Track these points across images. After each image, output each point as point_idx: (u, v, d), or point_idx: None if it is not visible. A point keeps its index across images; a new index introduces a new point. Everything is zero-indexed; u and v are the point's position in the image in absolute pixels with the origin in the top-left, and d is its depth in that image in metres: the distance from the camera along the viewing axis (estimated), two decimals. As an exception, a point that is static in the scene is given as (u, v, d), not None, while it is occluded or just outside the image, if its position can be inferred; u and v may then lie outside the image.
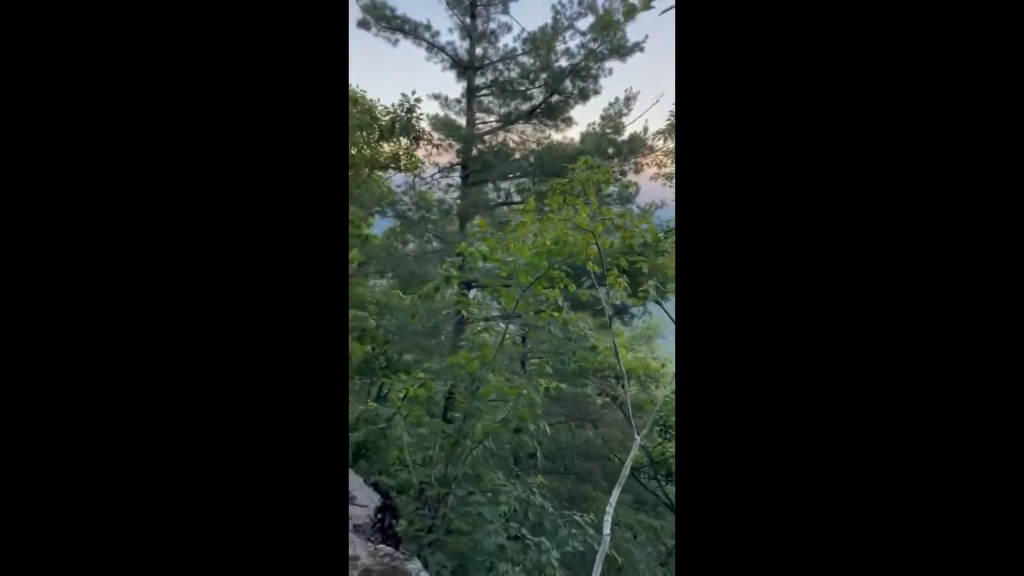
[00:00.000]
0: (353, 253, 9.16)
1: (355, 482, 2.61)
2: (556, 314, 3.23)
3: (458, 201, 7.94)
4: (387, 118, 7.22)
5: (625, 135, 7.07)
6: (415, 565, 1.88)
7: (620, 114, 8.07)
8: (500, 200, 7.75)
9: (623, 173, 7.45)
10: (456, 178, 7.98)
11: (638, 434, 2.69)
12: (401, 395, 3.17)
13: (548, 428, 2.91)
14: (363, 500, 2.46)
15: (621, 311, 8.18)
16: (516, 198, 7.34)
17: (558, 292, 3.27)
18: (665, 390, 9.06)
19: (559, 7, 6.95)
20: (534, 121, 7.70)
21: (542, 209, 3.87)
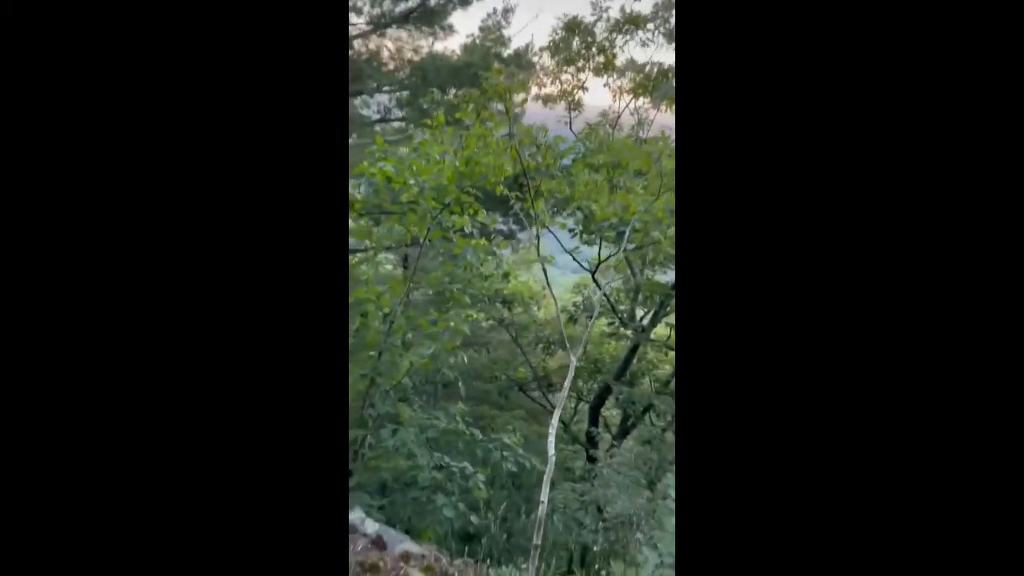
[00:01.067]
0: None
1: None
2: (473, 242, 3.06)
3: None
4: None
5: (510, 49, 6.72)
6: (356, 515, 1.75)
7: (499, 26, 7.62)
8: (378, 116, 7.04)
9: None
10: (322, 90, 7.03)
11: (574, 356, 2.73)
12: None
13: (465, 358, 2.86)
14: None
15: (509, 236, 8.21)
16: (397, 113, 6.71)
17: (466, 219, 3.09)
18: (544, 312, 9.60)
19: None
20: (410, 27, 6.95)
21: (448, 125, 3.55)
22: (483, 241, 3.20)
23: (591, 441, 6.77)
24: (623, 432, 7.64)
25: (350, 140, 7.08)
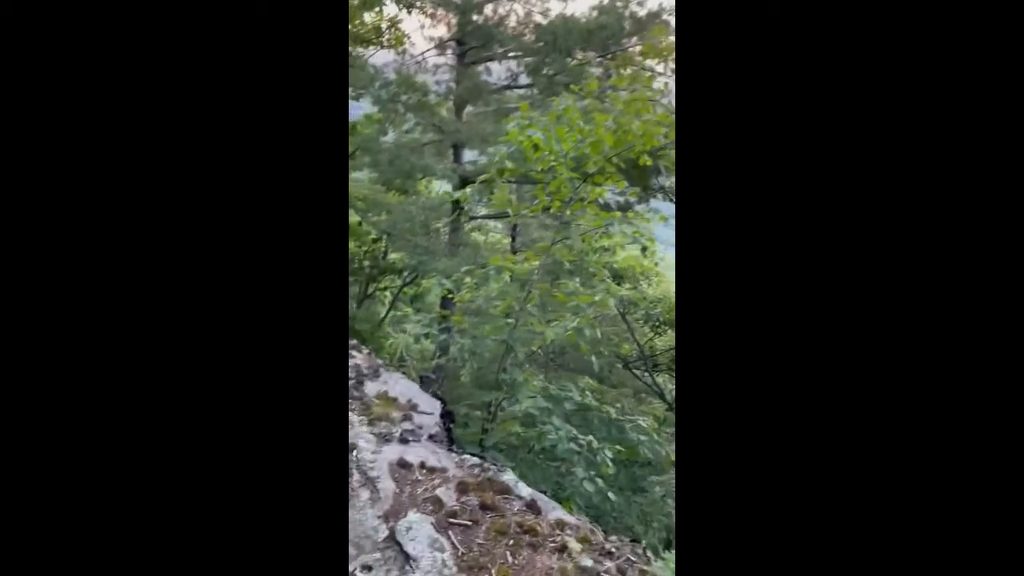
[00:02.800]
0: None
1: (410, 388, 2.48)
2: (610, 213, 2.96)
3: (452, 84, 7.17)
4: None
5: (645, 9, 6.30)
6: (510, 477, 1.80)
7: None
8: (505, 83, 7.02)
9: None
10: (451, 57, 7.13)
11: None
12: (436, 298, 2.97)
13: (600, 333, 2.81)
14: (425, 407, 2.35)
15: (626, 207, 7.93)
16: (524, 80, 6.63)
17: (605, 190, 2.97)
18: (653, 289, 9.25)
19: None
20: (539, -12, 6.75)
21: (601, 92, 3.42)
22: (628, 214, 3.08)
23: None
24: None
25: (474, 108, 7.15)
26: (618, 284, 8.52)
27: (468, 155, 7.66)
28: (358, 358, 2.56)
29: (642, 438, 2.52)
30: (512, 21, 6.75)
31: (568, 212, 2.90)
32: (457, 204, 7.84)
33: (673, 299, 4.41)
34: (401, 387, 2.42)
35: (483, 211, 9.69)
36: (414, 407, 2.32)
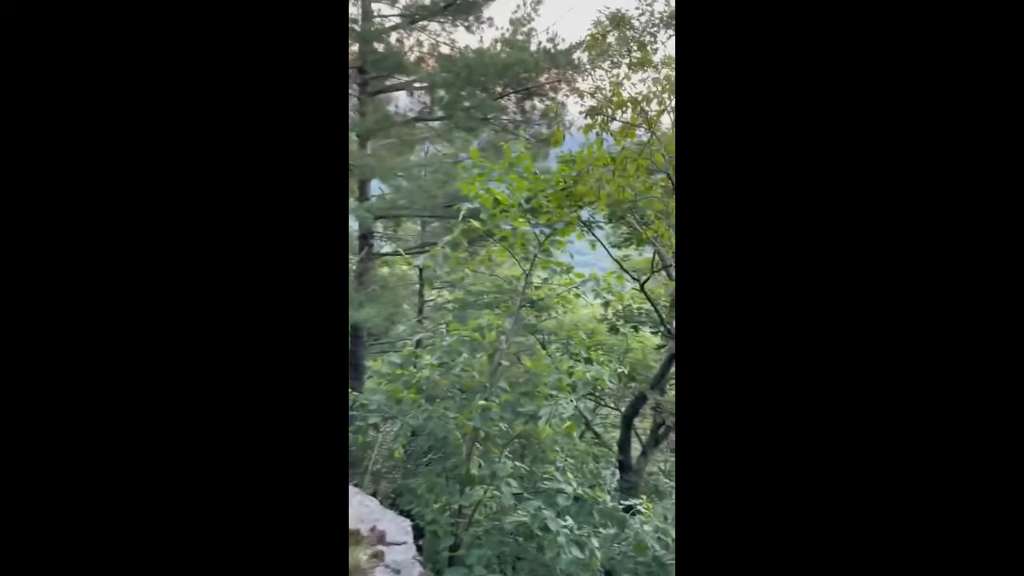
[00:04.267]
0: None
1: (370, 507, 1.98)
2: (565, 265, 2.71)
3: (354, 114, 6.64)
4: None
5: (562, 44, 6.31)
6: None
7: (529, 18, 7.21)
8: (414, 115, 6.62)
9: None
10: (352, 86, 6.60)
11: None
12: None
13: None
14: (394, 533, 1.87)
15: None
16: (439, 113, 6.30)
17: (564, 243, 2.74)
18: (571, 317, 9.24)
19: None
20: (446, 18, 6.54)
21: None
22: (571, 270, 2.85)
23: (622, 449, 6.59)
24: (655, 441, 7.43)
25: (387, 140, 6.68)
26: (539, 313, 8.43)
27: (374, 188, 7.13)
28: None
29: (646, 528, 2.25)
30: (417, 51, 6.44)
31: (528, 268, 2.61)
32: (365, 239, 7.25)
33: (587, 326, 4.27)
34: (359, 510, 1.92)
35: (388, 247, 9.15)
36: (381, 537, 1.84)
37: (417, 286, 9.42)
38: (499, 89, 5.97)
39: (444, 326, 2.47)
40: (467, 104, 5.53)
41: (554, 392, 2.16)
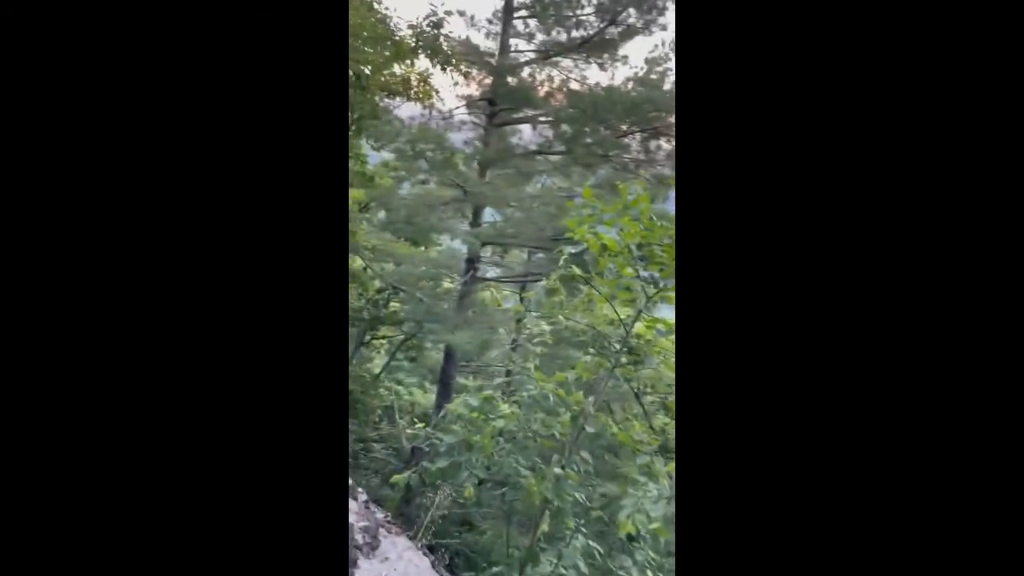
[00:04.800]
0: (356, 193, 8.03)
1: (420, 569, 1.80)
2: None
3: (479, 143, 6.83)
4: (407, 33, 5.91)
5: None
6: None
7: (666, 58, 6.97)
8: (535, 148, 6.66)
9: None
10: (480, 116, 6.82)
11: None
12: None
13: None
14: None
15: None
16: (560, 147, 6.27)
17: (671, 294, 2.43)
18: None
19: None
20: (578, 55, 6.53)
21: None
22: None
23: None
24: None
25: (506, 170, 6.78)
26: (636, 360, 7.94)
27: (487, 216, 7.26)
28: (352, 509, 1.90)
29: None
30: (547, 86, 6.49)
31: (631, 320, 2.35)
32: (471, 263, 7.40)
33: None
34: (408, 569, 1.74)
35: (492, 272, 9.28)
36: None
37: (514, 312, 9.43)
38: (624, 127, 5.77)
39: (531, 367, 2.28)
40: (589, 140, 5.40)
41: (643, 477, 1.85)
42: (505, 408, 2.15)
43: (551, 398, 2.13)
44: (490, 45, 6.55)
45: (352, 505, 1.92)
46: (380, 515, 1.95)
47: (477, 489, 2.33)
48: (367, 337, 10.46)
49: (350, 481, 1.79)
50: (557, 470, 1.93)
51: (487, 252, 8.22)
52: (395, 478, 2.16)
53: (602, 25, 6.05)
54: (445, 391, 7.99)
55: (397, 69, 6.72)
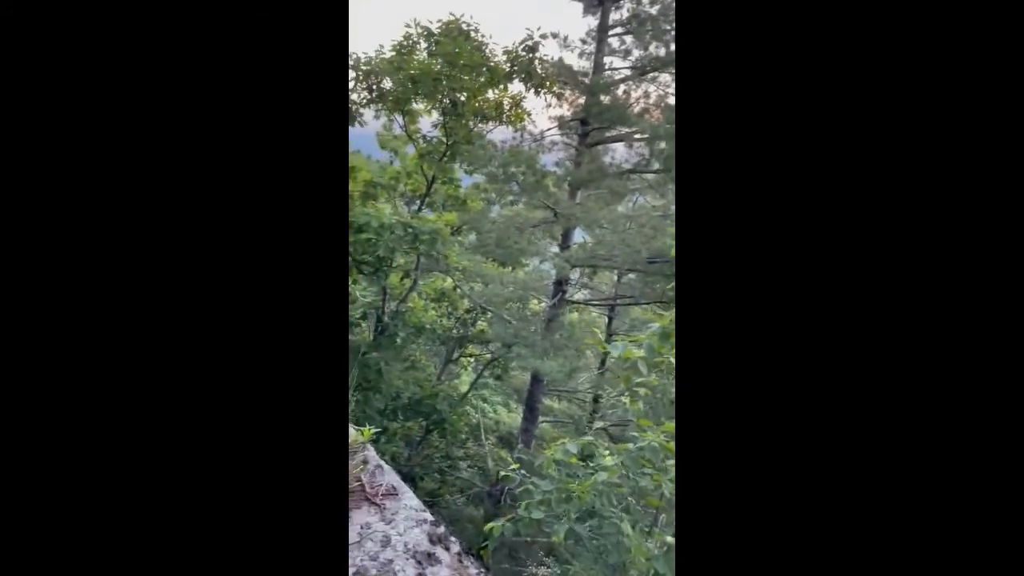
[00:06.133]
0: (449, 216, 8.25)
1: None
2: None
3: (571, 163, 6.72)
4: (503, 58, 5.98)
5: None
6: None
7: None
8: (630, 166, 6.43)
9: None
10: (572, 136, 6.71)
11: None
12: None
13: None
14: None
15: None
16: (656, 164, 5.99)
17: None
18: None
19: None
20: (674, 70, 6.21)
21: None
22: None
23: None
24: None
25: (597, 190, 6.61)
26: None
27: (576, 236, 7.10)
28: (444, 562, 1.77)
29: None
30: (643, 103, 6.24)
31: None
32: (559, 286, 7.26)
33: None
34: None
35: (580, 294, 9.07)
36: None
37: (603, 335, 9.14)
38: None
39: (633, 412, 2.07)
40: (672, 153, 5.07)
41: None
42: (608, 459, 1.95)
43: (659, 451, 1.90)
44: (584, 64, 6.45)
45: (444, 557, 1.82)
46: (474, 571, 1.82)
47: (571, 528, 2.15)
48: (455, 355, 10.68)
49: (441, 528, 1.68)
50: (668, 538, 1.70)
51: (575, 274, 8.05)
52: (489, 526, 2.04)
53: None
54: (532, 415, 7.87)
55: (491, 94, 6.86)
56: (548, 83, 6.11)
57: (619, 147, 6.57)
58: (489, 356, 9.77)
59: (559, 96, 6.21)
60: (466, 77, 5.96)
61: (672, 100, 6.19)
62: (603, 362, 8.83)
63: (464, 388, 9.95)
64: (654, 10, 6.09)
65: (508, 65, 6.04)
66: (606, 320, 9.39)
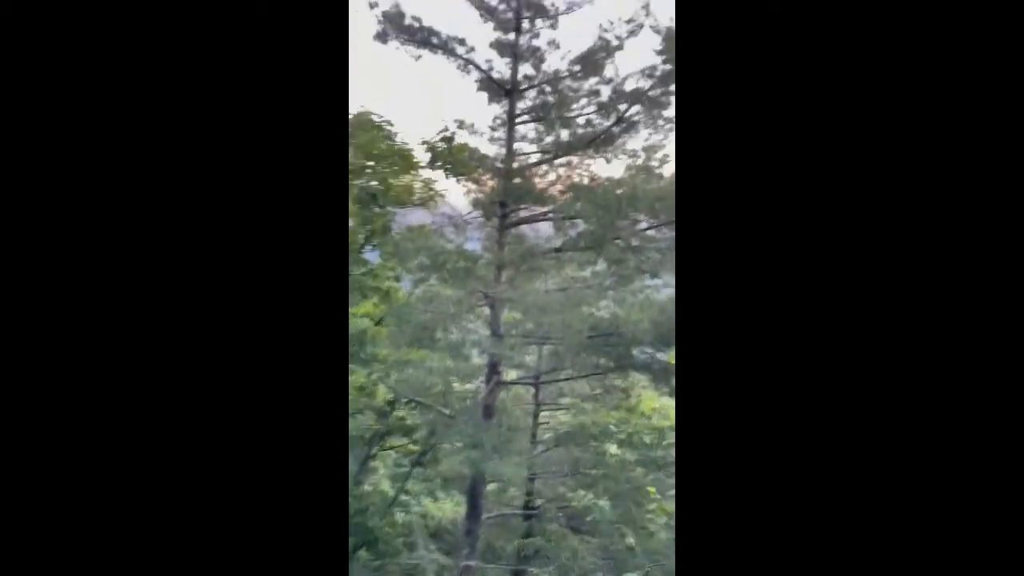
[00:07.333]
0: (366, 307, 7.76)
1: None
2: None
3: (492, 245, 6.72)
4: (419, 147, 5.98)
5: None
6: None
7: (662, 144, 7.14)
8: (548, 243, 6.56)
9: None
10: (493, 218, 6.76)
11: None
12: None
13: None
14: None
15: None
16: (573, 242, 6.15)
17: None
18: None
19: (607, 25, 5.98)
20: (584, 152, 6.63)
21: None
22: None
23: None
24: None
25: (524, 268, 6.62)
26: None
27: (511, 316, 7.00)
28: None
29: None
30: (559, 184, 6.52)
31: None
32: (494, 368, 7.00)
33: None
34: None
35: (513, 374, 8.86)
36: None
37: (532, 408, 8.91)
38: (641, 216, 5.73)
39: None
40: (602, 231, 5.30)
41: None
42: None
43: None
44: (498, 151, 6.64)
45: None
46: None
47: None
48: (374, 451, 9.73)
49: None
50: None
51: (507, 351, 7.87)
52: None
53: (607, 123, 6.19)
54: (475, 512, 7.26)
55: (408, 181, 6.79)
56: (466, 169, 6.20)
57: (540, 226, 6.73)
58: (416, 448, 9.04)
59: (476, 181, 6.31)
60: (384, 168, 5.85)
61: (585, 180, 6.54)
62: (534, 434, 8.54)
63: (385, 487, 9.01)
64: (553, 99, 6.52)
65: (428, 153, 6.05)
66: (532, 391, 9.22)
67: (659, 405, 8.01)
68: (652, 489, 6.64)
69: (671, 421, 7.95)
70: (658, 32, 5.74)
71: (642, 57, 6.00)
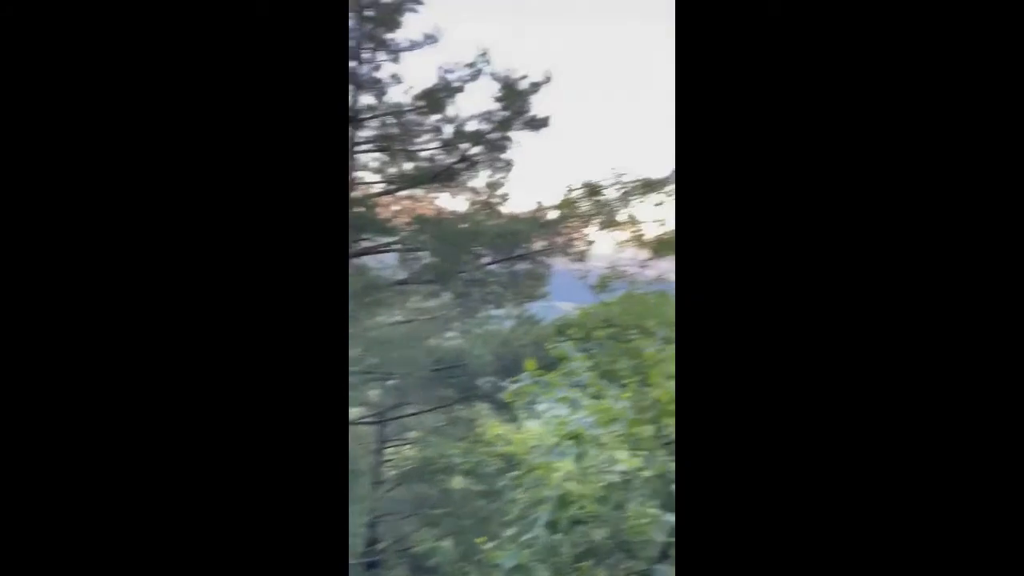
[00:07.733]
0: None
1: None
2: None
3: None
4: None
5: (554, 213, 6.49)
6: None
7: (501, 182, 7.59)
8: (402, 277, 6.41)
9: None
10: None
11: None
12: None
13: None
14: None
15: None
16: (418, 275, 6.11)
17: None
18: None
19: (447, 70, 6.25)
20: (427, 185, 6.70)
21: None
22: None
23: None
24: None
25: (368, 299, 6.34)
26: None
27: (353, 353, 6.61)
28: None
29: None
30: (406, 215, 6.46)
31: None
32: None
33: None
34: None
35: (357, 412, 8.32)
36: None
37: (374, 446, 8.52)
38: (484, 250, 5.96)
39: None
40: (447, 264, 5.40)
41: None
42: None
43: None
44: (336, 178, 6.35)
45: None
46: None
47: None
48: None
49: None
50: None
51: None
52: None
53: (450, 160, 6.36)
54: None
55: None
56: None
57: (384, 257, 6.55)
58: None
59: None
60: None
61: (427, 211, 6.57)
62: (378, 474, 8.13)
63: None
64: (397, 130, 6.50)
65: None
66: (377, 428, 8.80)
67: (502, 431, 8.23)
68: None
69: (513, 446, 8.23)
70: (497, 80, 6.13)
71: (482, 102, 6.31)
